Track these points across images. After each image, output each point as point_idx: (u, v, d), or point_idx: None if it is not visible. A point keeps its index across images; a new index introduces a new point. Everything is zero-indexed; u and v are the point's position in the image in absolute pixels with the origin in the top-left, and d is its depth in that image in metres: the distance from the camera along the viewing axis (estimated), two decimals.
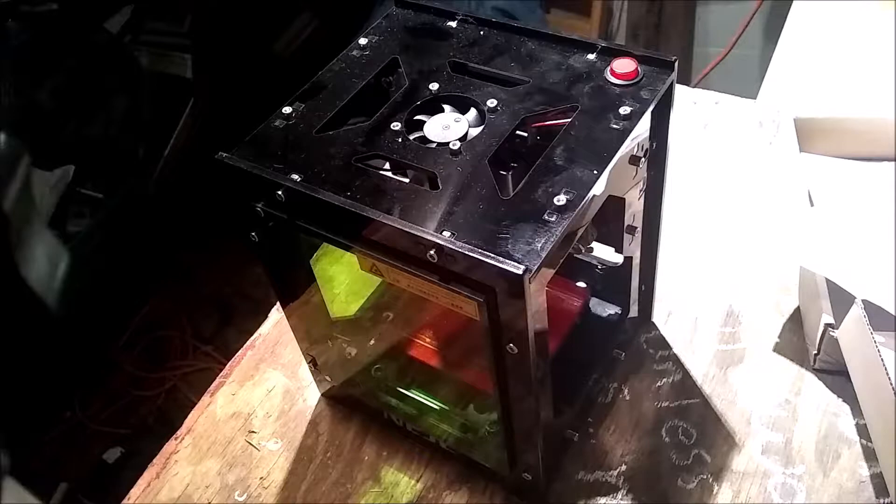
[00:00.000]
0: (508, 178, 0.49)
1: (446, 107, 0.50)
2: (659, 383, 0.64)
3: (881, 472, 0.56)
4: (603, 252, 0.59)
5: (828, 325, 0.59)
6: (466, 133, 0.48)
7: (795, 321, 0.66)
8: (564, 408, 0.57)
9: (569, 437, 0.60)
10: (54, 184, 1.41)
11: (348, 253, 0.48)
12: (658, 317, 0.67)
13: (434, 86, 0.50)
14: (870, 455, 0.58)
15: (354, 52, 0.54)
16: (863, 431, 0.59)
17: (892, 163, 0.71)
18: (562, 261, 0.44)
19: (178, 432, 0.65)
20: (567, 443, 0.60)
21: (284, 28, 1.67)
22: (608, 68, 0.49)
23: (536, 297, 0.41)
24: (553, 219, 0.41)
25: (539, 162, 0.45)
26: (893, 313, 0.56)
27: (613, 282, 0.62)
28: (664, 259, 0.62)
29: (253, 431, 0.65)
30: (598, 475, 0.59)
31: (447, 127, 0.48)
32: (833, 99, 0.81)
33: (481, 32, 0.54)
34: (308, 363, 0.63)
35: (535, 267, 0.39)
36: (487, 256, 0.39)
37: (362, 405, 0.64)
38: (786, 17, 0.95)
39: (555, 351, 0.56)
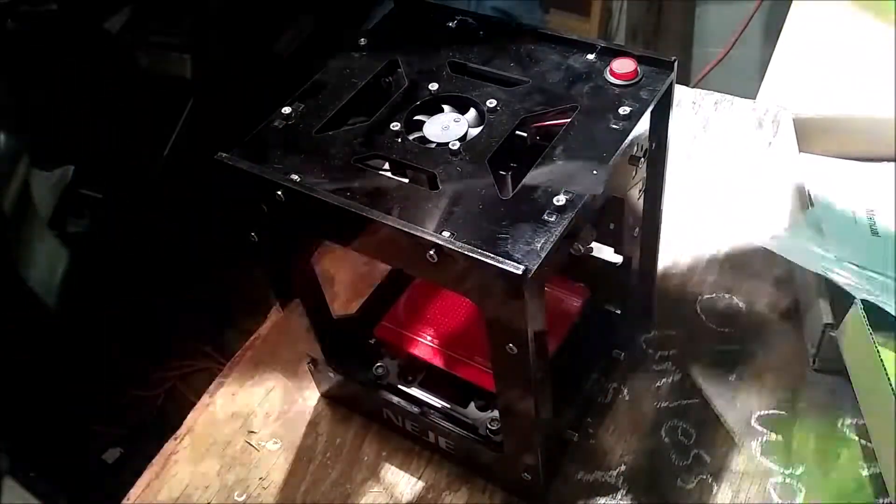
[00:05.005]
0: (508, 178, 0.49)
1: (446, 107, 0.50)
2: (658, 383, 0.64)
3: (881, 472, 0.56)
4: (603, 252, 0.60)
5: (827, 325, 0.59)
6: (466, 133, 0.48)
7: (795, 321, 0.66)
8: (564, 408, 0.57)
9: (569, 437, 0.60)
10: (54, 184, 1.40)
11: (349, 252, 0.48)
12: (658, 317, 0.67)
13: (434, 86, 0.50)
14: (870, 455, 0.58)
15: (354, 52, 0.54)
16: (863, 431, 0.59)
17: (893, 163, 0.71)
18: (561, 261, 0.44)
19: (178, 432, 0.65)
20: (567, 443, 0.60)
21: (284, 28, 1.67)
22: (608, 68, 0.49)
23: (536, 297, 0.41)
24: (552, 219, 0.41)
25: (539, 162, 0.45)
26: (893, 313, 0.56)
27: (613, 282, 0.62)
28: (664, 259, 0.62)
29: (252, 431, 0.65)
30: (597, 475, 0.59)
31: (447, 127, 0.48)
32: (833, 99, 0.81)
33: (481, 32, 0.54)
34: (308, 363, 0.63)
35: (535, 267, 0.39)
36: (487, 256, 0.39)
37: (362, 405, 0.64)
38: (786, 17, 0.95)
39: (554, 351, 0.56)
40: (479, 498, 0.58)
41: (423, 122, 0.49)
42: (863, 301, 0.56)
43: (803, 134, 0.72)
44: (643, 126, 0.48)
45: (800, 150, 0.72)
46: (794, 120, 0.72)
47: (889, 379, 0.52)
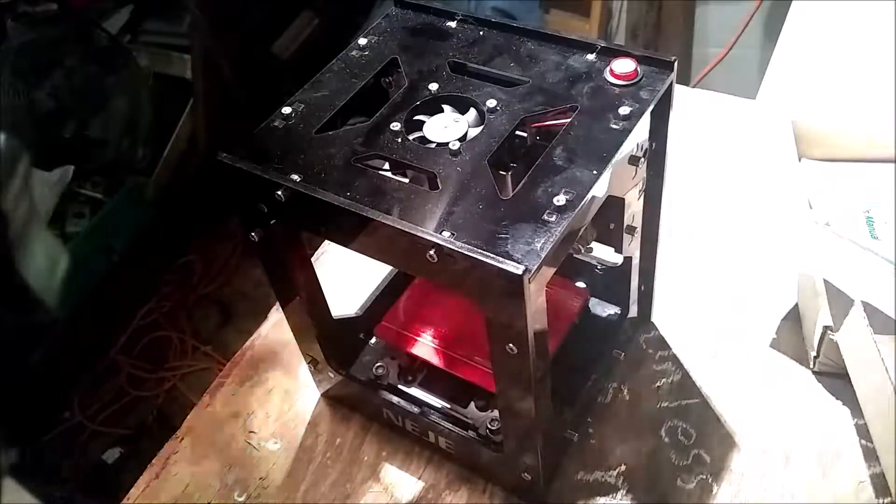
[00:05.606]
0: (508, 178, 0.49)
1: (446, 107, 0.50)
2: (659, 383, 0.64)
3: (881, 472, 0.56)
4: (602, 252, 0.60)
5: (826, 328, 0.59)
6: (466, 133, 0.48)
7: (795, 321, 0.66)
8: (564, 408, 0.57)
9: (569, 437, 0.60)
10: (54, 184, 1.41)
11: (349, 252, 0.47)
12: (658, 317, 0.67)
13: (433, 86, 0.50)
14: (870, 455, 0.58)
15: (354, 52, 0.54)
16: (863, 432, 0.59)
17: (892, 165, 0.71)
18: (561, 261, 0.44)
19: (178, 432, 0.65)
20: (567, 443, 0.60)
21: (284, 28, 1.67)
22: (608, 68, 0.49)
23: (536, 297, 0.41)
24: (553, 219, 0.41)
25: (539, 162, 0.45)
26: (893, 316, 0.56)
27: (613, 282, 0.62)
28: (663, 259, 0.62)
29: (252, 432, 0.65)
30: (597, 475, 0.59)
31: (447, 127, 0.48)
32: (831, 102, 0.81)
33: (481, 32, 0.54)
34: (308, 363, 0.63)
35: (535, 267, 0.39)
36: (487, 256, 0.39)
37: (362, 405, 0.64)
38: (786, 17, 0.95)
39: (554, 351, 0.56)
40: (478, 498, 0.58)
41: (423, 122, 0.49)
42: (862, 302, 0.56)
43: (802, 138, 0.72)
44: (643, 126, 0.48)
45: (798, 154, 0.72)
46: (792, 123, 0.72)
47: (890, 378, 0.52)
